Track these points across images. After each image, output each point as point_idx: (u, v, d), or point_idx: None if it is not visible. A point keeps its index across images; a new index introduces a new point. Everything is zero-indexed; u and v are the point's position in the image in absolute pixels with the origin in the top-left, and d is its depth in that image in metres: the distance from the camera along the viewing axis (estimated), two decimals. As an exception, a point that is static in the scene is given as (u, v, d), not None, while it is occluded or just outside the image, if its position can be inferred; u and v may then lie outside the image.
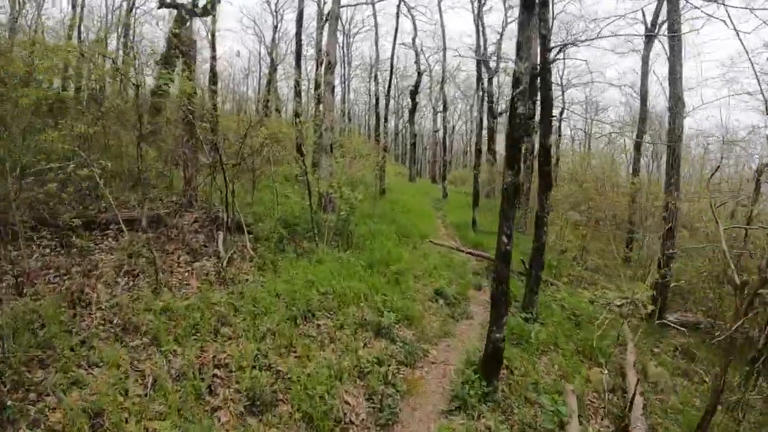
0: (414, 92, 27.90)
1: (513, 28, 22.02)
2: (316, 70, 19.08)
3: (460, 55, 12.42)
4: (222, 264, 7.14)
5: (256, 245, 8.10)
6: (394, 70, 18.40)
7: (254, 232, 8.61)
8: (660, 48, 14.85)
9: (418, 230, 11.53)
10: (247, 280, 6.96)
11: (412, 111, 28.82)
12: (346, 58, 35.34)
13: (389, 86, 18.02)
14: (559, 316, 7.58)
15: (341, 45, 36.16)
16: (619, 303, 6.64)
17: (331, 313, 6.13)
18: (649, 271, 9.37)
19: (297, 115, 16.75)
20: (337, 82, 36.25)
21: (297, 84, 17.56)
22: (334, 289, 6.54)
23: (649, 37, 13.32)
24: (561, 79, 23.81)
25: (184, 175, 9.56)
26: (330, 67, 12.02)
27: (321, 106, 12.36)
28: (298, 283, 6.55)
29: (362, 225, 10.20)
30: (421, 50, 29.32)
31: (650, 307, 6.15)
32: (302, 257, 7.83)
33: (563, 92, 22.43)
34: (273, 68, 26.50)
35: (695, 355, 7.43)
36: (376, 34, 18.76)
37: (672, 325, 7.28)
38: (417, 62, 27.98)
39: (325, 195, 10.27)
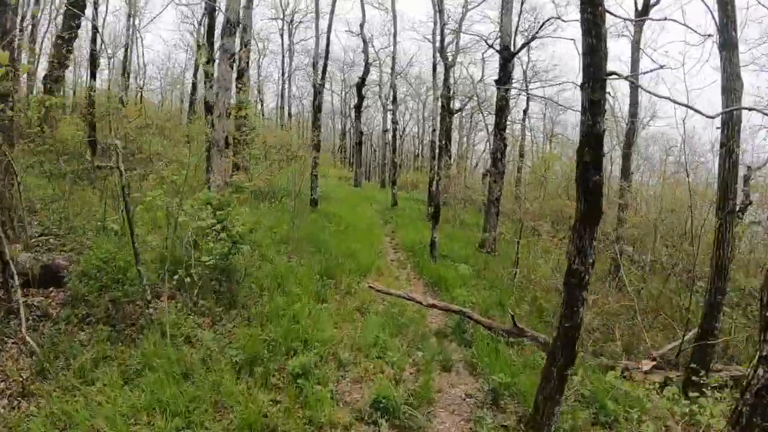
0: (361, 84, 24.54)
1: (471, 15, 19.07)
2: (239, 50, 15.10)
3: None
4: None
5: (60, 317, 4.47)
6: (329, 48, 14.79)
7: (73, 287, 4.95)
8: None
9: (357, 261, 8.01)
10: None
11: (359, 106, 25.38)
12: (288, 49, 31.22)
13: (324, 68, 14.50)
14: (589, 426, 4.35)
15: (280, 32, 32.01)
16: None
17: None
18: (686, 317, 6.39)
19: (206, 103, 12.91)
20: (275, 74, 32.17)
21: (207, 62, 13.51)
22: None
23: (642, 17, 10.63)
24: (525, 74, 21.09)
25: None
26: (229, 28, 8.30)
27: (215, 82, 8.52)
28: None
29: (266, 263, 6.57)
30: (370, 40, 25.98)
31: None
32: (116, 352, 4.15)
33: (527, 87, 19.76)
34: (201, 54, 22.04)
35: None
36: (317, 12, 15.17)
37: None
38: (365, 51, 24.54)
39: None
